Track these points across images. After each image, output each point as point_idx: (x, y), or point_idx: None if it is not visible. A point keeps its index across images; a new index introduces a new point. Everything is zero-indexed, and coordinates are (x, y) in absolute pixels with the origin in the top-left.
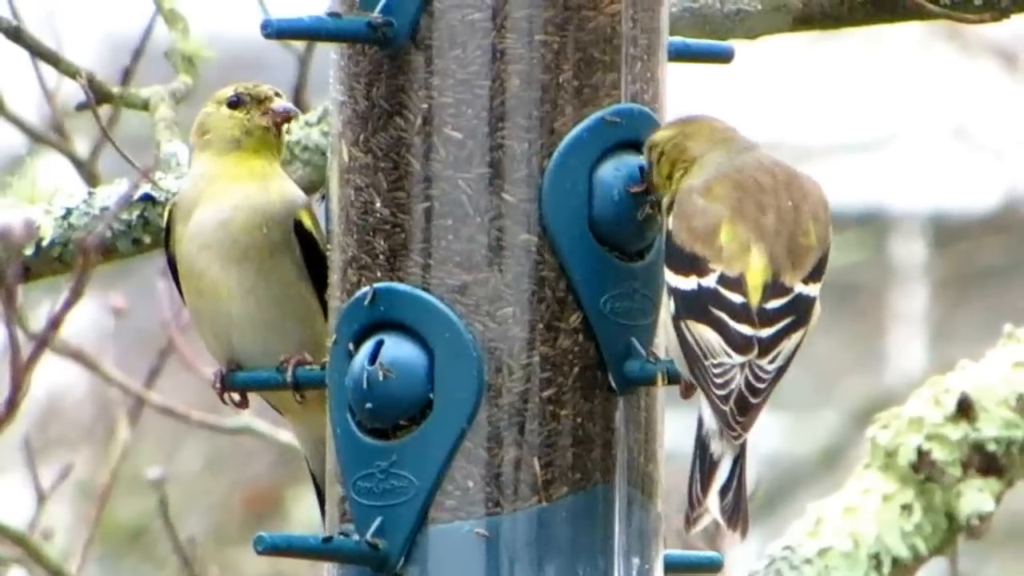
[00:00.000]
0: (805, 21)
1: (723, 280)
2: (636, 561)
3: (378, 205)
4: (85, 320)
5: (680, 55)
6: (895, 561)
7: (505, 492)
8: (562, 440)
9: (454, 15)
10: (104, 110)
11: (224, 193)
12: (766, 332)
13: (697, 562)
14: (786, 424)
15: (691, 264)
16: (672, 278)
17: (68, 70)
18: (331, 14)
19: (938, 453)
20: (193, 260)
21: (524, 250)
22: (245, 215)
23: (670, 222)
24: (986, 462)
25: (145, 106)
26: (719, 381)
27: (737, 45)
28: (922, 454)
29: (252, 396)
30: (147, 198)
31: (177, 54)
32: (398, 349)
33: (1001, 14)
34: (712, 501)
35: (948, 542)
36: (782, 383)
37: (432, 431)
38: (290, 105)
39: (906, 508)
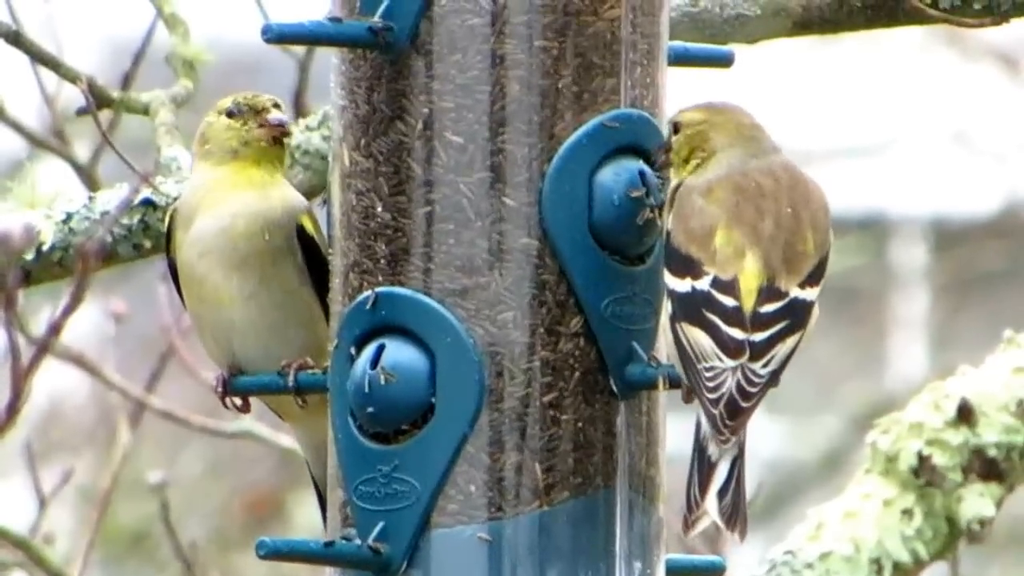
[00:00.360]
0: (805, 25)
1: (716, 283)
2: (638, 565)
3: (379, 209)
4: (86, 325)
5: (680, 60)
6: (896, 566)
7: (507, 496)
8: (563, 444)
9: (454, 20)
10: (104, 115)
11: (224, 201)
12: (759, 336)
13: (699, 566)
14: (787, 429)
15: (686, 266)
16: (669, 279)
17: (68, 75)
18: (331, 19)
19: (939, 458)
20: (194, 266)
21: (525, 254)
22: (246, 222)
23: (669, 221)
24: (987, 467)
25: (145, 111)
26: (710, 385)
27: (737, 49)
28: (923, 459)
29: (253, 400)
30: (147, 203)
31: (177, 58)
32: (399, 353)
33: (1001, 18)
34: (710, 503)
35: (949, 547)
36: (782, 387)
37: (434, 435)
38: (285, 117)
39: (907, 513)
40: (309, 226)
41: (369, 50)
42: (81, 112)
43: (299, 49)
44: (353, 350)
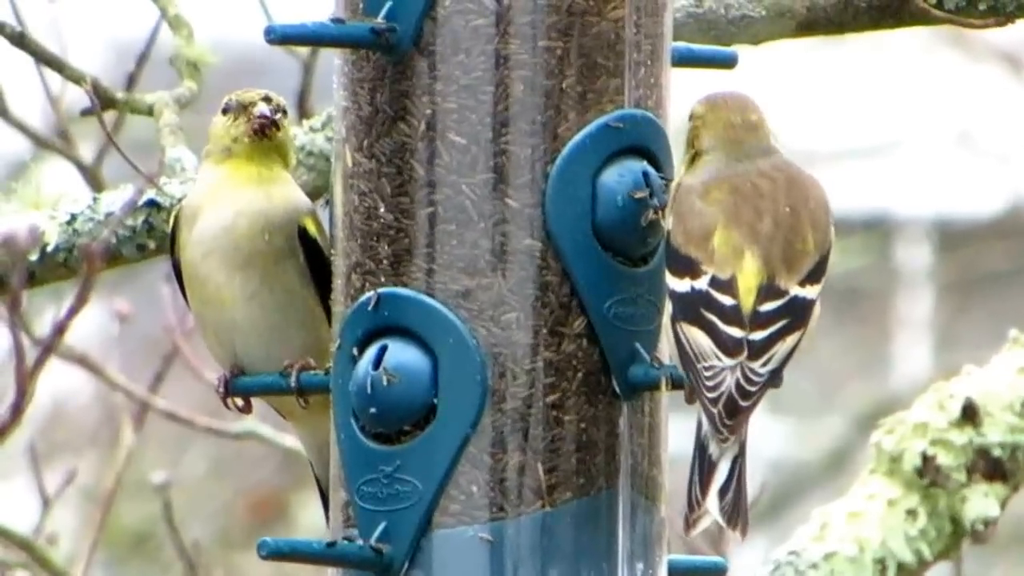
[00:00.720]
0: (809, 27)
1: (714, 282)
2: (640, 566)
3: (382, 210)
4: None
5: (684, 60)
6: (900, 566)
7: (509, 497)
8: (566, 445)
9: (458, 21)
10: (109, 116)
11: (226, 199)
12: (759, 335)
13: (702, 566)
14: (791, 429)
15: (686, 266)
16: (670, 279)
17: (73, 76)
18: (335, 20)
19: (943, 458)
20: (197, 266)
21: (528, 255)
22: (247, 221)
23: (670, 222)
24: (991, 467)
25: (150, 111)
26: (709, 384)
27: (741, 50)
28: (927, 459)
29: (256, 402)
30: (152, 204)
31: (182, 60)
32: (402, 354)
33: (1006, 19)
34: (711, 502)
35: (953, 547)
36: (786, 387)
37: (436, 436)
38: (267, 109)
39: (911, 513)
40: (312, 228)
41: (372, 51)
42: (85, 113)
43: (303, 50)
44: (355, 351)
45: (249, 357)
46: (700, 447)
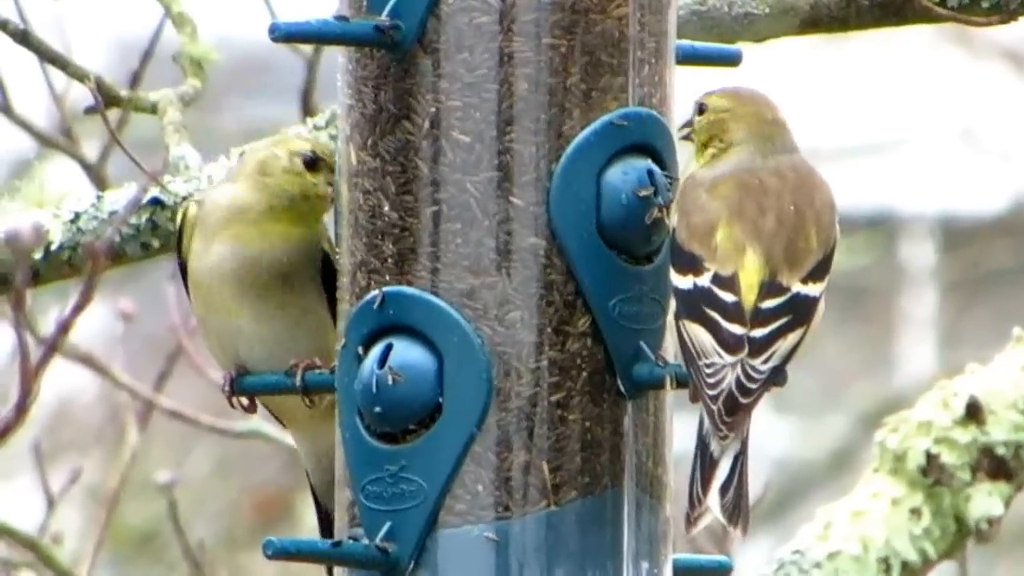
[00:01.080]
0: (813, 24)
1: (716, 279)
2: (645, 565)
3: (386, 209)
4: (94, 324)
5: (688, 58)
6: (904, 565)
7: (514, 496)
8: (571, 444)
9: (461, 19)
10: (113, 114)
11: (259, 235)
12: (760, 332)
13: (706, 566)
14: (795, 428)
15: (689, 263)
16: (673, 276)
17: (76, 74)
18: (338, 17)
19: (947, 457)
20: (208, 278)
21: (532, 254)
22: (275, 257)
23: (674, 218)
24: (995, 466)
25: (154, 110)
26: (710, 381)
27: (745, 48)
28: (931, 458)
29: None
30: (156, 202)
31: (185, 57)
32: (407, 353)
33: (1009, 16)
34: (712, 500)
35: (957, 546)
36: (790, 386)
37: (441, 435)
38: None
39: (915, 512)
40: (327, 246)
41: (376, 49)
42: (89, 111)
43: (307, 48)
44: (360, 350)
45: (252, 361)
46: (702, 445)
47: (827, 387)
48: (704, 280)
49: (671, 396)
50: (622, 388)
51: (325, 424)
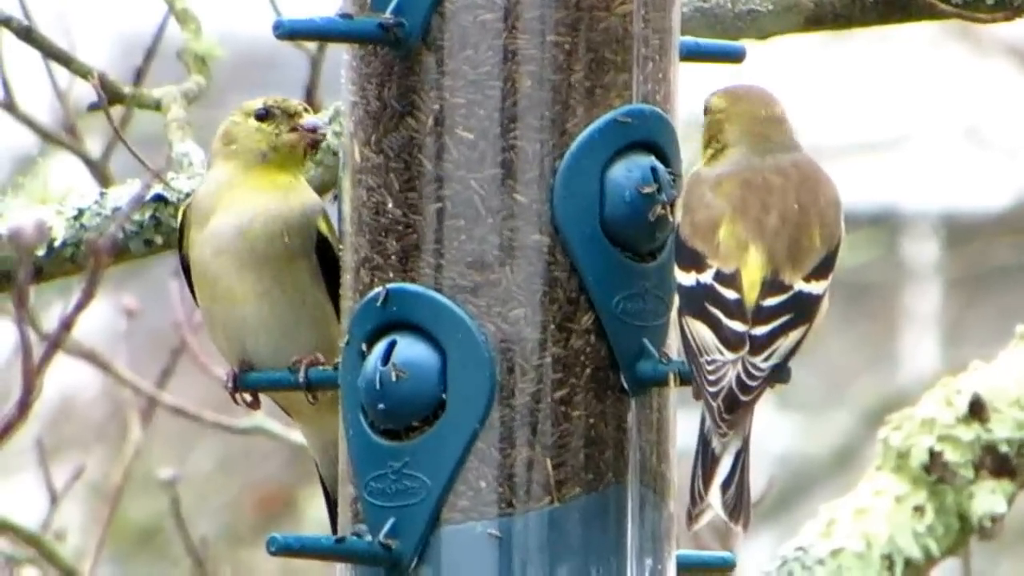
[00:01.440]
0: (817, 21)
1: (719, 276)
2: (649, 561)
3: (390, 206)
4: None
5: (692, 55)
6: (907, 562)
7: (518, 493)
8: (574, 441)
9: (465, 16)
10: (116, 110)
11: (244, 201)
12: (761, 330)
13: (710, 562)
14: (798, 425)
15: (692, 259)
16: (676, 273)
17: (80, 70)
18: (343, 15)
19: (950, 454)
20: (207, 264)
21: (536, 251)
22: (265, 224)
23: (678, 215)
24: (998, 463)
25: (157, 106)
26: (711, 378)
27: (748, 45)
28: (934, 455)
29: (264, 396)
30: (159, 199)
31: (189, 54)
32: (411, 350)
33: (1014, 13)
34: (714, 496)
35: (960, 543)
36: (793, 382)
37: (445, 432)
38: (319, 121)
39: (918, 509)
40: (325, 228)
41: (380, 46)
42: (93, 107)
43: (311, 45)
44: (364, 346)
45: (258, 355)
46: (703, 441)
47: (830, 384)
48: (706, 277)
49: (674, 393)
50: (625, 385)
51: (332, 415)
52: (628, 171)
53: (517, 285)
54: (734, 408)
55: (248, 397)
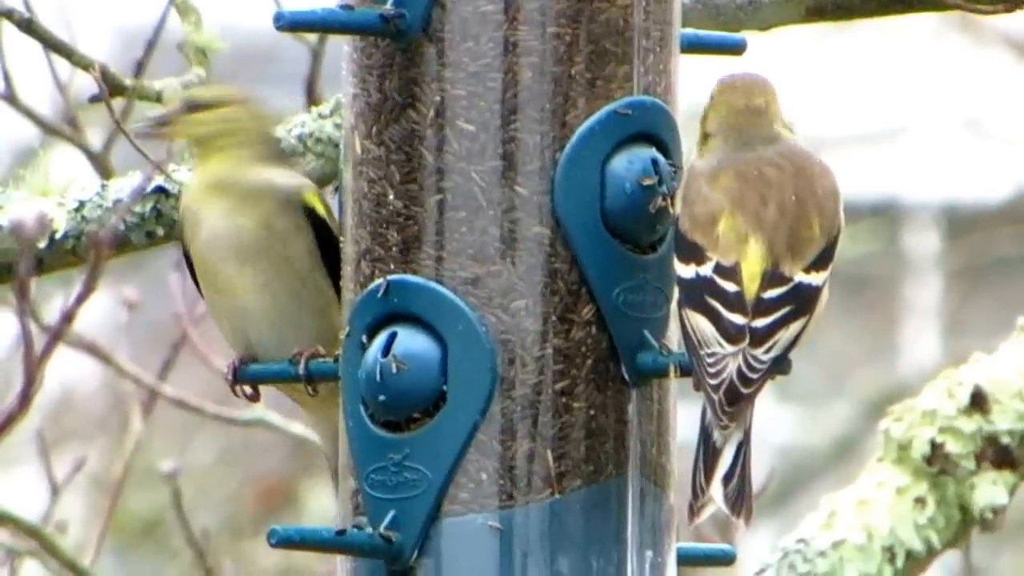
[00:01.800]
0: (817, 12)
1: (718, 269)
2: (649, 553)
3: (391, 197)
4: (98, 313)
5: (692, 47)
6: (909, 554)
7: (518, 485)
8: (575, 432)
9: (466, 7)
10: (117, 102)
11: (217, 199)
12: (761, 322)
13: (710, 554)
14: (798, 416)
15: (691, 252)
16: (676, 265)
17: (81, 62)
18: (343, 6)
19: (952, 446)
20: (206, 260)
21: (537, 242)
22: (242, 217)
23: (678, 207)
24: (1000, 455)
25: (158, 98)
26: (712, 371)
27: (749, 37)
28: (935, 447)
29: (266, 389)
30: (160, 190)
31: (190, 46)
32: (411, 341)
33: (1014, 5)
34: (715, 489)
35: (962, 535)
36: (794, 374)
37: (445, 424)
38: (162, 114)
39: (920, 501)
40: (318, 206)
41: (381, 38)
42: (94, 100)
43: (311, 37)
44: (365, 338)
45: (262, 344)
46: (704, 434)
47: (831, 375)
48: (706, 269)
49: (675, 384)
50: (626, 376)
51: (338, 403)
52: (629, 163)
53: (518, 277)
54: (735, 401)
55: (248, 389)
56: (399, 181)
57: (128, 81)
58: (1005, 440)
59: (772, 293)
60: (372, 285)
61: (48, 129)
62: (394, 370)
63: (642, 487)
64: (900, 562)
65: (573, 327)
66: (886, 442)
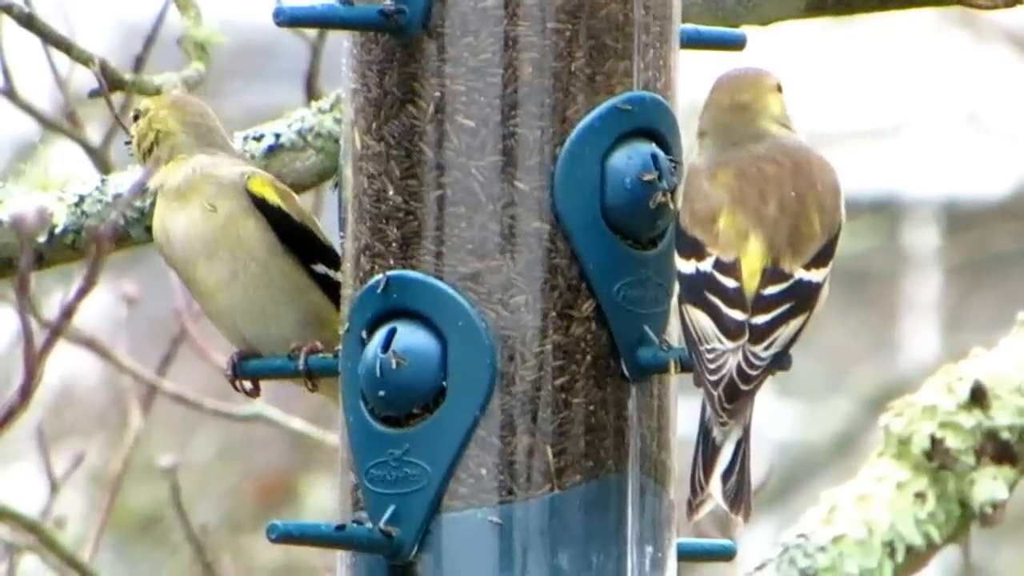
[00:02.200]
0: (817, 7)
1: (718, 265)
2: (649, 549)
3: (391, 193)
4: (98, 308)
5: (692, 42)
6: (909, 549)
7: (518, 480)
8: (575, 428)
9: (466, 3)
10: (117, 97)
11: (169, 203)
12: (761, 319)
13: (710, 550)
14: (799, 412)
15: (692, 248)
16: (677, 261)
17: (80, 57)
18: (343, 1)
19: (952, 441)
20: (177, 266)
21: (536, 238)
22: (188, 206)
23: (679, 203)
24: (1000, 450)
25: (158, 93)
26: (711, 367)
27: (749, 32)
28: (936, 442)
29: (264, 383)
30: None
31: (189, 41)
32: (411, 337)
33: (1014, 0)
34: (715, 486)
35: (962, 530)
36: (793, 370)
37: (445, 419)
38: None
39: (920, 496)
40: (269, 193)
41: (381, 33)
42: (93, 94)
43: (311, 32)
44: (364, 334)
45: (256, 339)
46: (704, 431)
47: (830, 371)
48: (706, 265)
49: (675, 380)
50: (626, 372)
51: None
52: (629, 158)
53: (518, 272)
54: (735, 397)
55: (248, 385)
56: (399, 177)
57: (128, 76)
58: (1005, 435)
59: (772, 290)
60: (372, 281)
61: (48, 124)
62: (394, 366)
63: (642, 483)
64: (900, 557)
65: (573, 323)
66: (886, 437)
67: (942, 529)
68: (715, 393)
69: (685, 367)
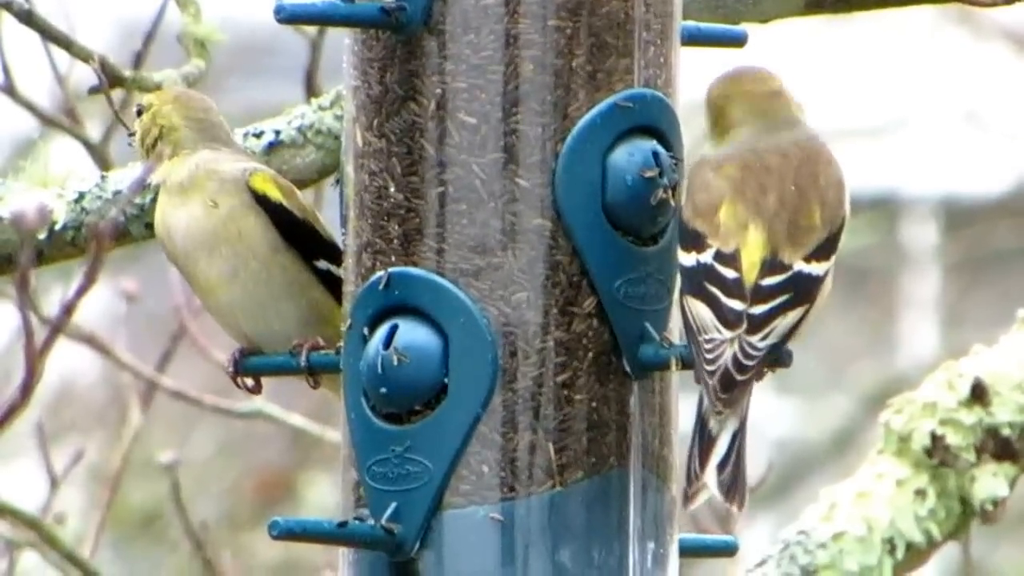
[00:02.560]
0: (817, 4)
1: (719, 256)
2: (651, 545)
3: (392, 190)
4: (98, 305)
5: (693, 39)
6: (909, 546)
7: (520, 477)
8: (577, 424)
9: (467, 0)
10: (116, 94)
11: (171, 198)
12: (759, 309)
13: (712, 546)
14: (798, 409)
15: (693, 240)
16: (679, 253)
17: (80, 54)
18: None
19: (952, 438)
20: (179, 263)
21: (538, 235)
22: (189, 201)
23: (683, 197)
24: (1000, 447)
25: (158, 89)
26: (709, 357)
27: (750, 29)
28: (936, 439)
29: (265, 380)
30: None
31: (189, 38)
32: (413, 334)
33: None
34: (709, 476)
35: (962, 527)
36: (792, 366)
37: (447, 416)
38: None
39: (920, 493)
40: (271, 190)
41: (382, 30)
42: (93, 91)
43: (311, 29)
44: (366, 330)
45: (258, 335)
46: (700, 421)
47: (830, 368)
48: (706, 256)
49: (677, 377)
50: (628, 369)
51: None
52: (630, 155)
53: (519, 269)
54: (730, 387)
55: (250, 382)
56: (400, 173)
57: (127, 73)
58: (1005, 432)
59: (770, 280)
60: (373, 277)
61: (47, 120)
62: (395, 362)
63: (644, 479)
64: (900, 554)
65: (574, 319)
66: (886, 434)
67: (942, 526)
68: (711, 382)
69: (686, 364)
